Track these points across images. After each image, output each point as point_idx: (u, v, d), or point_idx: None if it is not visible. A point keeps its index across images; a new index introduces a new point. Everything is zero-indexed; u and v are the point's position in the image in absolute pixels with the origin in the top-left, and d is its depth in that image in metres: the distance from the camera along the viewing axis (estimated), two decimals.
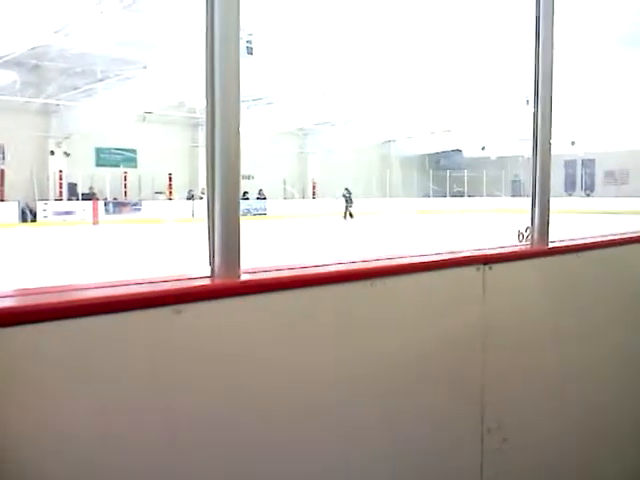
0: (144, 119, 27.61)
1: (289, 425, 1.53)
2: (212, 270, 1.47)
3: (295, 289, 1.52)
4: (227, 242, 1.47)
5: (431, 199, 36.44)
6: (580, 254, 2.46)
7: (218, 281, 1.44)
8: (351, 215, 30.23)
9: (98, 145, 28.59)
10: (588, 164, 35.26)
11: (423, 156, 38.97)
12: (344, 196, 30.85)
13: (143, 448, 1.29)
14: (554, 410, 2.33)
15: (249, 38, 19.91)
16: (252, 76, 20.50)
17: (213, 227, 1.47)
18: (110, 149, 29.15)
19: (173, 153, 29.67)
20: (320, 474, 1.60)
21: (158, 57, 21.29)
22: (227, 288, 1.42)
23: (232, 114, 1.48)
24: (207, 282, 1.44)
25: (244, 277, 1.50)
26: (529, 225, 2.34)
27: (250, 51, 20.21)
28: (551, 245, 2.36)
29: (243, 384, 1.43)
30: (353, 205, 30.50)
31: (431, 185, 36.90)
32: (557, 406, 2.34)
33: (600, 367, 2.61)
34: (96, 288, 1.36)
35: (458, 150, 37.24)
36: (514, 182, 35.14)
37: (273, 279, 1.52)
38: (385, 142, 36.73)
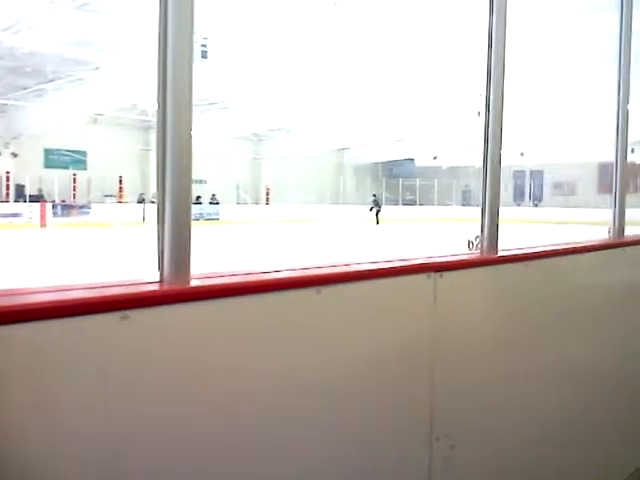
0: (95, 121, 27.21)
1: (236, 430, 1.51)
2: (161, 275, 1.44)
3: (244, 295, 1.50)
4: (177, 247, 1.44)
5: (384, 207, 36.77)
6: (527, 263, 2.50)
7: (167, 287, 1.42)
8: (377, 221, 30.95)
9: (47, 146, 28.01)
10: (536, 175, 36.10)
11: (376, 164, 39.34)
12: (374, 201, 31.96)
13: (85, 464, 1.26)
14: (502, 418, 2.36)
15: (204, 42, 19.80)
16: (207, 80, 20.36)
17: (163, 232, 1.44)
18: (60, 150, 28.60)
19: (124, 156, 29.25)
20: None
21: (111, 58, 20.97)
22: (176, 294, 1.40)
23: (184, 117, 1.46)
24: (155, 287, 1.41)
25: (194, 283, 1.47)
26: (479, 234, 2.37)
27: (205, 55, 20.08)
28: (500, 254, 2.40)
29: (190, 390, 1.41)
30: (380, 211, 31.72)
31: (384, 193, 37.22)
32: (505, 413, 2.37)
33: (547, 375, 2.65)
34: (41, 293, 1.32)
35: (411, 159, 37.69)
36: (465, 192, 35.75)
37: (223, 285, 1.50)
38: (339, 150, 36.95)
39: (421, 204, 37.87)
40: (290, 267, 1.79)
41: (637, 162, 28.26)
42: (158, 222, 1.45)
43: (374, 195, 32.81)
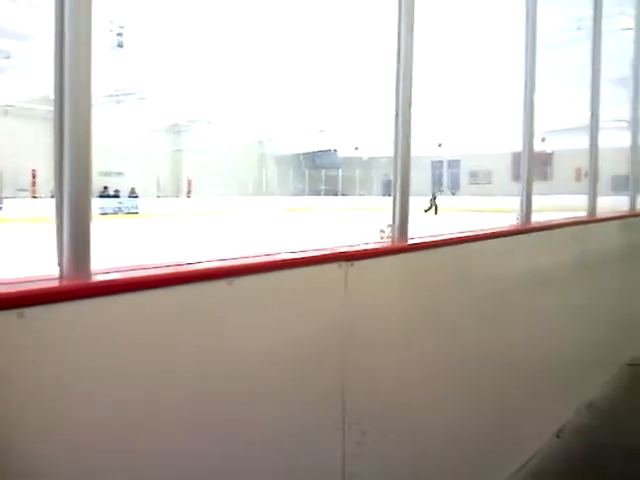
0: (6, 112, 26.10)
1: (147, 428, 1.48)
2: (61, 271, 1.40)
3: (150, 289, 1.47)
4: (77, 242, 1.40)
5: (306, 197, 36.90)
6: (437, 250, 2.56)
7: (67, 282, 1.37)
8: (435, 210, 30.94)
9: None
10: (453, 165, 37.03)
11: (299, 155, 39.38)
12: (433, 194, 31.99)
13: None
14: (413, 403, 2.41)
15: (120, 31, 19.27)
16: (123, 70, 19.86)
17: (62, 226, 1.39)
18: None
19: (37, 149, 28.13)
20: (176, 474, 1.56)
21: (22, 47, 20.13)
22: (76, 290, 1.35)
23: (83, 107, 1.41)
24: (55, 284, 1.37)
25: (96, 278, 1.43)
26: (390, 222, 2.41)
27: (121, 44, 19.55)
28: (411, 242, 2.44)
29: (93, 390, 1.37)
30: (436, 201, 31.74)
31: (307, 183, 37.35)
32: (416, 399, 2.43)
33: (458, 360, 2.73)
34: None
35: (333, 150, 37.94)
36: (385, 181, 36.27)
37: (127, 279, 1.47)
38: (261, 141, 36.78)
39: (343, 194, 38.21)
40: (202, 259, 1.77)
41: (548, 151, 29.39)
42: (57, 216, 1.40)
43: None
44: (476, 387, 2.88)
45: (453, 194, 36.23)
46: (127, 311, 1.43)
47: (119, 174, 29.47)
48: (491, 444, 3.01)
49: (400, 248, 2.37)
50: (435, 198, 32.55)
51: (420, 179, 33.18)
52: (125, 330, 1.43)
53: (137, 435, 1.46)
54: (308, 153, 38.91)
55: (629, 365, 5.18)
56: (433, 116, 21.94)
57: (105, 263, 1.55)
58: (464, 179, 37.19)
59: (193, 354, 1.59)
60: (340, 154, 37.99)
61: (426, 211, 30.49)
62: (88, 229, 1.41)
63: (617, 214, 5.45)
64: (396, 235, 2.40)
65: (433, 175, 36.45)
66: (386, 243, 2.37)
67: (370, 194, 35.60)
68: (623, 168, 5.91)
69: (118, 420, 1.41)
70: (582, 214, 4.59)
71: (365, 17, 16.78)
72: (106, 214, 26.79)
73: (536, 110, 3.58)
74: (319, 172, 39.34)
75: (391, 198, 2.46)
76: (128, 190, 31.16)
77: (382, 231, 2.40)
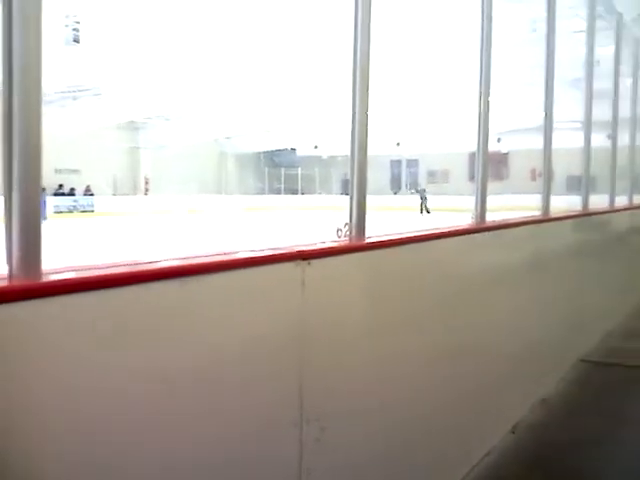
0: None
1: (102, 428, 1.46)
2: (10, 271, 1.36)
3: (103, 289, 1.44)
4: (27, 241, 1.37)
5: (266, 196, 36.81)
6: (394, 249, 2.58)
7: (15, 283, 1.34)
8: (427, 211, 30.19)
9: None
10: (412, 164, 37.36)
11: (258, 154, 39.25)
12: (419, 192, 31.51)
13: None
14: (372, 400, 2.42)
15: (76, 26, 18.97)
16: (79, 65, 19.53)
17: (10, 225, 1.36)
18: None
19: None
20: (140, 470, 1.54)
21: None
22: (24, 290, 1.32)
23: (33, 103, 1.38)
24: (3, 284, 1.33)
25: (48, 278, 1.40)
26: (347, 221, 2.41)
27: (77, 39, 19.25)
28: (368, 240, 2.46)
29: (44, 392, 1.34)
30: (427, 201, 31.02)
31: (267, 182, 37.27)
32: (375, 396, 2.44)
33: (416, 359, 2.75)
34: None
35: (292, 149, 37.92)
36: (344, 180, 36.38)
37: (79, 279, 1.44)
38: (221, 139, 36.55)
39: (303, 193, 38.22)
40: (157, 258, 1.75)
41: (503, 151, 29.87)
42: (5, 215, 1.37)
43: (421, 188, 32.13)
44: (434, 384, 2.91)
45: (412, 193, 36.51)
46: (78, 311, 1.40)
47: (75, 172, 28.98)
48: (448, 441, 3.04)
49: (357, 247, 2.38)
50: (425, 197, 31.67)
51: (379, 178, 33.47)
52: (76, 331, 1.40)
53: (88, 439, 1.43)
54: (268, 152, 38.81)
55: (582, 361, 5.30)
56: (392, 115, 22.09)
57: (58, 262, 1.52)
58: (423, 178, 37.54)
59: (148, 355, 1.57)
60: (299, 153, 37.98)
61: (421, 212, 30.03)
62: (39, 227, 1.38)
63: (570, 213, 5.57)
64: (353, 234, 2.40)
65: (392, 174, 36.72)
66: (343, 242, 2.38)
67: (330, 193, 35.67)
68: (577, 168, 6.04)
69: (65, 424, 1.38)
70: (536, 213, 4.67)
71: (323, 15, 16.81)
72: (61, 212, 26.33)
73: (491, 111, 3.63)
74: (279, 171, 39.28)
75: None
76: (84, 188, 30.65)
77: (339, 230, 2.40)
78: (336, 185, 36.82)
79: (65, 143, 22.75)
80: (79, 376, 1.40)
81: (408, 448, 2.69)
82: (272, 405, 1.94)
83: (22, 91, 1.36)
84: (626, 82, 7.65)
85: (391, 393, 2.55)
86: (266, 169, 39.53)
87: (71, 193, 29.78)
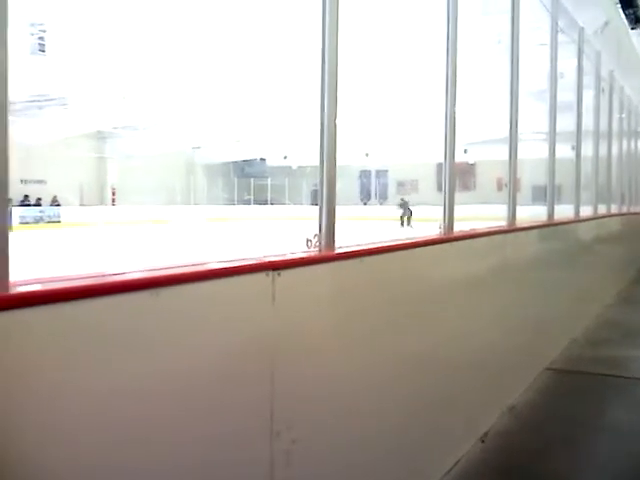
0: None
1: (64, 447, 1.44)
2: None
3: (71, 301, 1.43)
4: None
5: (235, 206, 36.67)
6: (364, 259, 2.60)
7: None
8: (409, 224, 28.40)
9: None
10: (381, 175, 37.58)
11: (228, 164, 39.11)
12: (401, 205, 29.89)
13: None
14: (343, 412, 2.43)
15: (42, 35, 18.73)
16: (45, 75, 19.28)
17: None
18: None
19: None
20: None
21: None
22: None
23: None
24: None
25: (16, 290, 1.39)
26: (317, 232, 2.43)
27: (43, 48, 19.00)
28: (338, 251, 2.47)
29: (9, 407, 1.32)
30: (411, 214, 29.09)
31: (236, 192, 37.15)
32: (346, 407, 2.45)
33: (387, 368, 2.77)
34: None
35: (262, 159, 37.86)
36: (313, 191, 36.43)
37: (47, 291, 1.43)
38: (189, 149, 36.34)
39: (272, 203, 38.16)
40: (125, 269, 1.74)
41: (470, 162, 30.20)
42: None
43: (402, 199, 30.70)
44: (403, 394, 2.93)
45: (381, 204, 36.70)
46: (47, 324, 1.39)
47: (40, 182, 28.56)
48: (420, 450, 3.06)
49: (327, 257, 2.40)
50: (409, 209, 29.41)
51: (349, 188, 33.57)
52: (44, 343, 1.39)
53: (54, 452, 1.42)
54: (237, 162, 38.70)
55: (547, 369, 5.37)
56: (361, 126, 22.22)
57: (26, 274, 1.51)
58: (392, 188, 37.76)
59: (118, 367, 1.55)
60: (269, 163, 37.96)
61: (402, 225, 28.55)
62: (6, 239, 1.37)
63: (535, 223, 5.65)
64: (323, 244, 2.42)
65: (361, 185, 36.88)
66: (313, 252, 2.39)
67: (300, 203, 35.69)
68: (543, 179, 6.14)
69: (38, 436, 1.37)
70: (502, 224, 4.74)
71: (292, 25, 16.87)
72: (27, 223, 25.92)
73: (458, 122, 3.68)
74: (248, 181, 39.18)
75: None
76: (50, 198, 30.21)
77: (309, 240, 2.41)
78: (306, 196, 36.86)
79: (31, 153, 22.47)
80: (46, 390, 1.39)
81: (378, 458, 2.70)
82: (241, 417, 1.94)
83: None
84: (589, 94, 7.82)
85: (361, 404, 2.56)
86: (235, 179, 39.39)
87: (37, 204, 29.33)
